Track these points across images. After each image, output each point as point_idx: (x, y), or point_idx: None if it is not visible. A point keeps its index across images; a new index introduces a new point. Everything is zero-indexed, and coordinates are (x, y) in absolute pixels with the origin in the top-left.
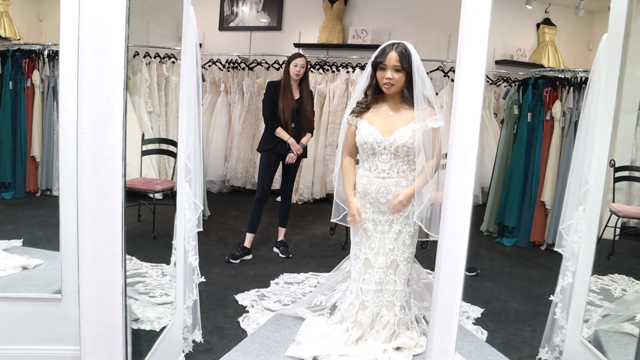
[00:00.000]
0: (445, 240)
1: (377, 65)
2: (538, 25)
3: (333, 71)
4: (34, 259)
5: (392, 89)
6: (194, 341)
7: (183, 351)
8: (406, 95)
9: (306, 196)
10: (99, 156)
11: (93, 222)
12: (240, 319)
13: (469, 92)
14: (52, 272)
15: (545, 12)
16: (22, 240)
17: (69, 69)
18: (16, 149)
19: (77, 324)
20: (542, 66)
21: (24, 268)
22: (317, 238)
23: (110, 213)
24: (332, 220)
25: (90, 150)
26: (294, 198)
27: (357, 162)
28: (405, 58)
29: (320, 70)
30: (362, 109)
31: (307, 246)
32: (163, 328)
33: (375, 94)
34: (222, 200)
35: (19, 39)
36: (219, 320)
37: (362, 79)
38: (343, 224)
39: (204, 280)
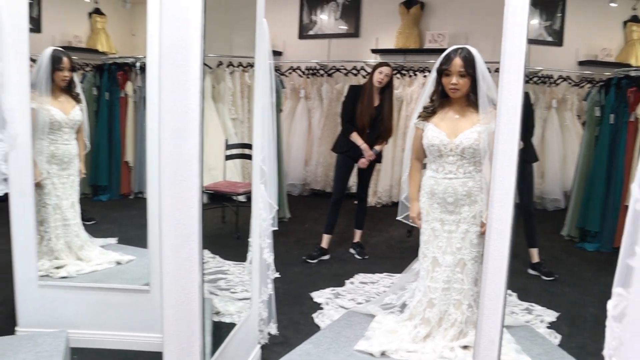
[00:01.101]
0: (491, 236)
1: (442, 72)
2: (625, 23)
3: (410, 76)
4: (126, 255)
5: (457, 93)
6: (269, 333)
7: (259, 342)
8: (472, 99)
9: (385, 199)
10: (179, 159)
11: (174, 218)
12: (314, 315)
13: (509, 93)
14: (143, 267)
15: (633, 9)
16: (117, 238)
17: (155, 80)
18: (112, 155)
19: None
20: (628, 65)
21: (118, 263)
22: (394, 240)
23: (188, 210)
24: (397, 218)
25: (171, 154)
26: (372, 201)
27: (424, 166)
28: (469, 63)
29: (398, 75)
30: (428, 113)
31: (384, 248)
32: None
33: (440, 99)
34: (302, 203)
35: (114, 53)
36: (295, 316)
37: (427, 84)
38: (405, 221)
39: (279, 276)
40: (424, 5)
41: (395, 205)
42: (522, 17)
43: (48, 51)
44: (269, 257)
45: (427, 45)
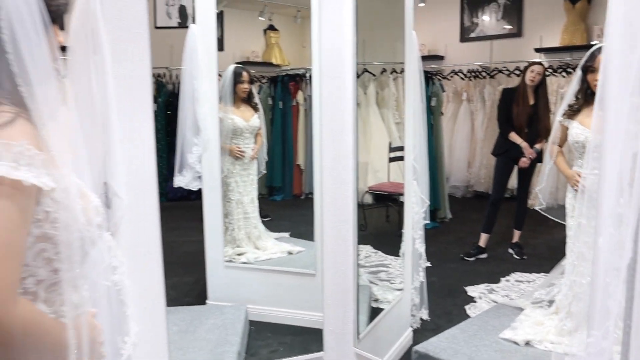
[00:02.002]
0: None
1: (587, 69)
2: (265, 31)
3: None
4: (297, 247)
5: None
6: (421, 319)
7: (411, 326)
8: None
9: (550, 201)
10: (337, 156)
11: (333, 206)
12: (467, 307)
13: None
14: (311, 257)
15: (270, 19)
16: (289, 233)
17: (317, 89)
18: (285, 159)
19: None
20: (271, 64)
21: (289, 253)
22: (555, 242)
23: (344, 199)
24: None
25: (330, 152)
26: (535, 202)
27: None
28: None
29: (563, 74)
30: (573, 111)
31: (544, 249)
32: None
33: (585, 97)
34: (464, 204)
35: (287, 65)
36: (448, 306)
37: (572, 82)
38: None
39: (429, 265)
40: None
41: (561, 207)
42: None
43: (231, 67)
44: (421, 247)
45: (595, 40)
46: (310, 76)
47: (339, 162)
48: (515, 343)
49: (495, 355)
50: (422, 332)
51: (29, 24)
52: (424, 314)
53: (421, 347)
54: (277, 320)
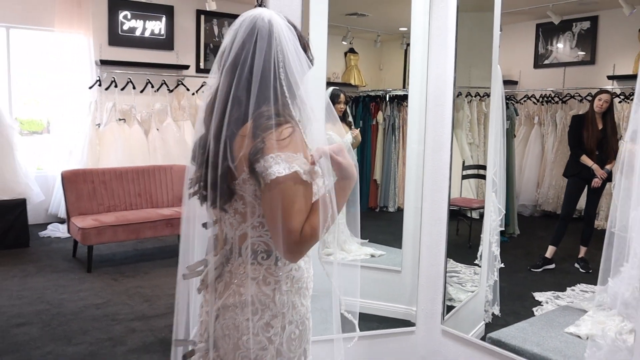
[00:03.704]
0: None
1: None
2: (345, 54)
3: None
4: (378, 251)
5: None
6: (493, 314)
7: (484, 320)
8: None
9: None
10: (436, 165)
11: (431, 208)
12: (534, 309)
13: None
14: (391, 260)
15: (350, 43)
16: (367, 240)
17: (415, 112)
18: (362, 173)
19: (409, 290)
20: (350, 85)
21: (372, 255)
22: None
23: (440, 202)
24: None
25: (430, 165)
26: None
27: None
28: None
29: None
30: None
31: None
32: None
33: None
34: (532, 223)
35: (364, 86)
36: (517, 308)
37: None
38: None
39: (503, 266)
40: None
41: None
42: None
43: (329, 89)
44: (496, 249)
45: None
46: (389, 98)
47: (438, 173)
48: (579, 337)
49: (560, 345)
50: (493, 326)
51: (299, 76)
52: (496, 310)
53: (494, 334)
54: (363, 310)
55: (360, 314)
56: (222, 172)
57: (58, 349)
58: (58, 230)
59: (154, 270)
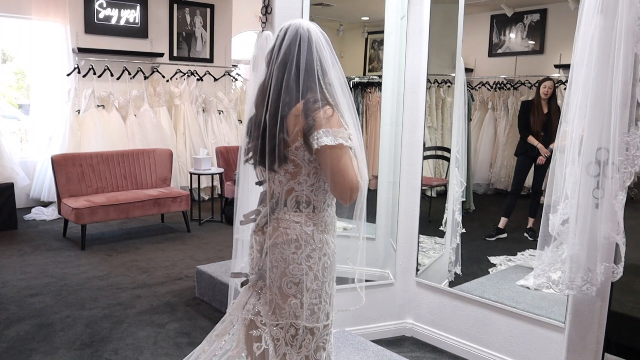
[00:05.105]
0: None
1: None
2: None
3: None
4: (350, 225)
5: None
6: (455, 273)
7: (447, 279)
8: None
9: None
10: (412, 144)
11: (406, 180)
12: (490, 270)
13: None
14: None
15: None
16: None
17: (387, 97)
18: None
19: (383, 256)
20: None
21: (344, 229)
22: None
23: (415, 172)
24: None
25: (407, 143)
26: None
27: None
28: None
29: None
30: None
31: None
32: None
33: None
34: (486, 199)
35: None
36: (475, 270)
37: None
38: None
39: (465, 231)
40: None
41: None
42: None
43: None
44: (458, 217)
45: None
46: (354, 84)
47: (413, 149)
48: (527, 288)
49: (512, 295)
50: (455, 284)
51: (329, 71)
52: (458, 269)
53: (458, 288)
54: (344, 274)
55: (342, 277)
56: (278, 142)
57: (75, 313)
58: (42, 214)
59: (145, 246)
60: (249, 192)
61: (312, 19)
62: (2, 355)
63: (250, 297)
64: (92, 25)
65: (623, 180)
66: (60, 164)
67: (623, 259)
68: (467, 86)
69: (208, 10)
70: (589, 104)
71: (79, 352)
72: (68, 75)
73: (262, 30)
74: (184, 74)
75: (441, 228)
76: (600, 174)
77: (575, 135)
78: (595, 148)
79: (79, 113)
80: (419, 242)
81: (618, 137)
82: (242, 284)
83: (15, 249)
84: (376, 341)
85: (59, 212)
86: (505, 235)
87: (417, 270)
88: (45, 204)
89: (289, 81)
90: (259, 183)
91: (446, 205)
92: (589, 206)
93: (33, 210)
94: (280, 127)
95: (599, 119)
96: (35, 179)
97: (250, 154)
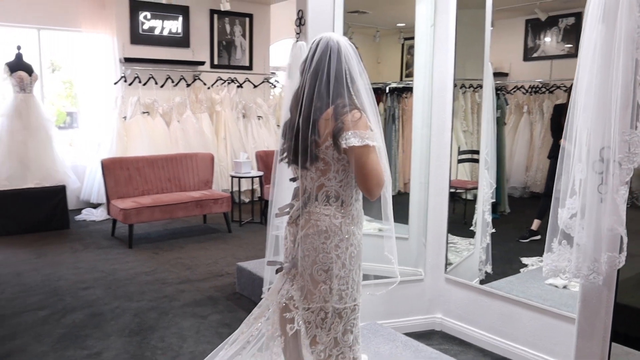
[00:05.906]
0: None
1: None
2: None
3: None
4: (385, 226)
5: None
6: (486, 272)
7: (478, 277)
8: None
9: None
10: (440, 146)
11: (435, 182)
12: (521, 270)
13: None
14: (397, 231)
15: None
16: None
17: (418, 101)
18: None
19: (415, 255)
20: None
21: (380, 229)
22: None
23: (443, 178)
24: None
25: (435, 144)
26: None
27: None
28: None
29: None
30: None
31: None
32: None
33: None
34: (521, 202)
35: None
36: (506, 270)
37: None
38: None
39: (494, 231)
40: None
41: None
42: None
43: None
44: (488, 217)
45: None
46: (389, 90)
47: (441, 151)
48: (556, 287)
49: (540, 292)
50: (485, 283)
51: (357, 79)
52: (489, 269)
53: (487, 286)
54: (379, 272)
55: (375, 275)
56: (310, 142)
57: (123, 304)
58: (92, 214)
59: (188, 245)
60: (283, 188)
61: (348, 26)
62: (61, 338)
63: (284, 283)
64: (138, 36)
65: (624, 176)
66: (109, 167)
67: (625, 250)
68: (502, 90)
69: (247, 19)
70: (593, 106)
71: (128, 338)
72: (115, 83)
73: (297, 41)
74: (225, 81)
75: (471, 228)
76: (604, 171)
77: (581, 135)
78: (599, 147)
79: (125, 119)
80: (447, 240)
81: (619, 137)
82: (277, 271)
83: (68, 246)
84: (407, 334)
85: (108, 213)
86: (538, 237)
87: (447, 267)
88: (95, 206)
89: (320, 88)
90: (293, 179)
91: (476, 205)
92: (594, 201)
93: (83, 211)
94: (312, 130)
95: (602, 120)
96: (85, 182)
97: (285, 154)
